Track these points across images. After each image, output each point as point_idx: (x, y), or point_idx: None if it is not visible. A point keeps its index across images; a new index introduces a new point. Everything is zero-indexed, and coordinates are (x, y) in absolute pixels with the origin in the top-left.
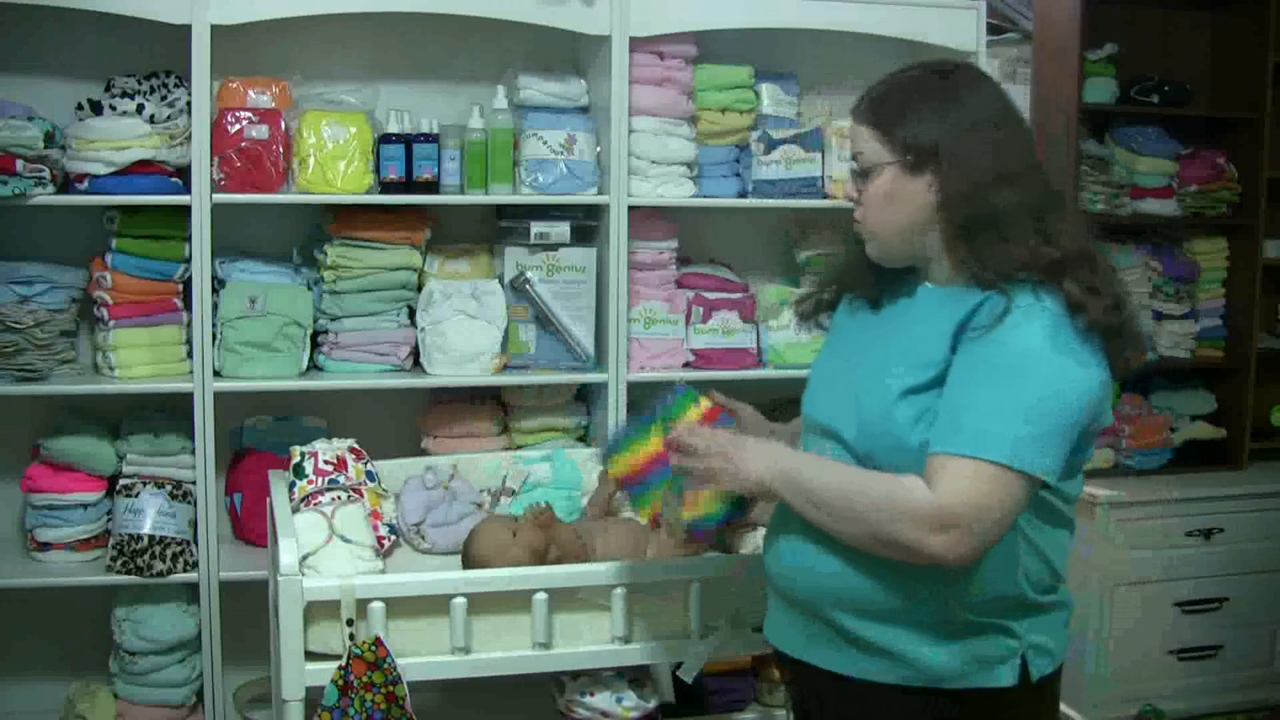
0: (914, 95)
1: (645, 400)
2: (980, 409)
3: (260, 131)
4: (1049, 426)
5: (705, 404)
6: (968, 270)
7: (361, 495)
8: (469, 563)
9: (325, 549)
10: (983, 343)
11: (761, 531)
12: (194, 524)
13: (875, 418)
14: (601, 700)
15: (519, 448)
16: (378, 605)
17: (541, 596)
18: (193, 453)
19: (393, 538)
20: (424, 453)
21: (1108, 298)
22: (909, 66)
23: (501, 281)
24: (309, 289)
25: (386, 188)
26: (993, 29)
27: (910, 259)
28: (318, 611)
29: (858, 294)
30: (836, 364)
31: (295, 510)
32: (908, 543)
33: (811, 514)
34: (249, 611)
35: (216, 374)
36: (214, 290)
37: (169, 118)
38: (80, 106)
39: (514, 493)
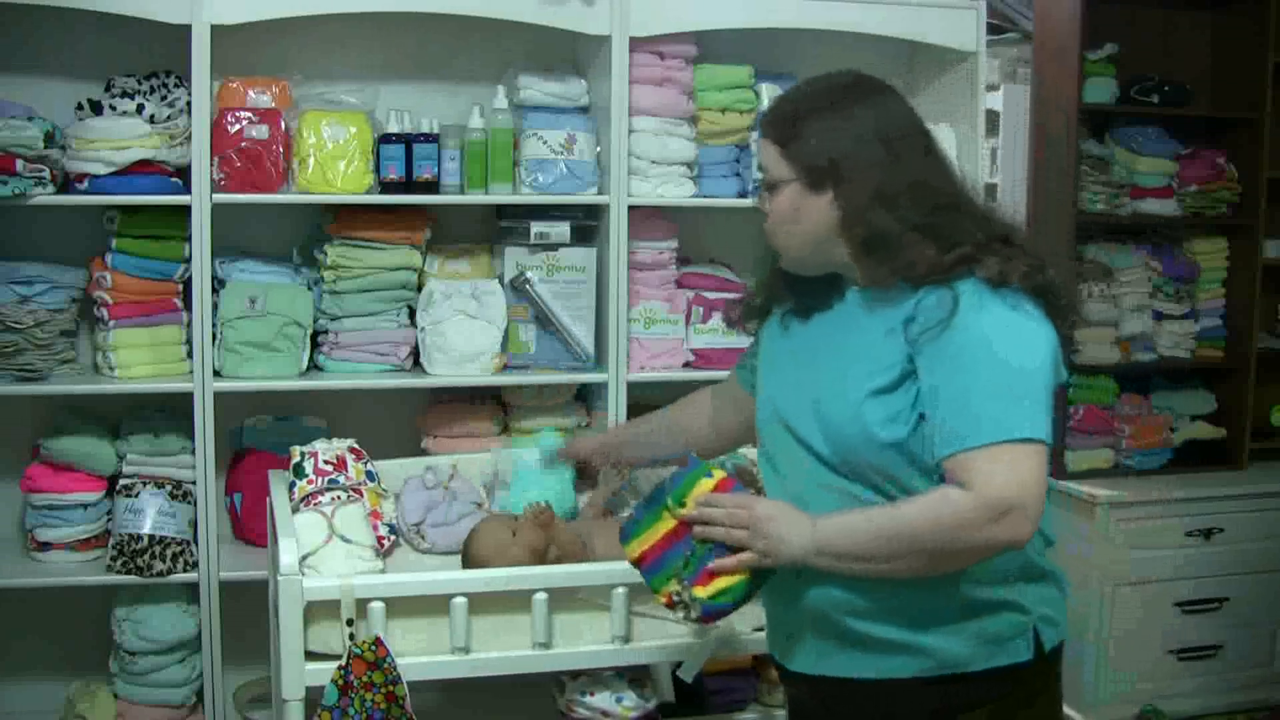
0: (810, 112)
1: (645, 399)
2: (977, 397)
3: (260, 131)
4: (1037, 390)
5: (719, 475)
6: (880, 277)
7: (361, 495)
8: (469, 562)
9: (325, 549)
10: (947, 337)
11: None
12: (194, 524)
13: (843, 422)
14: (601, 700)
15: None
16: (378, 605)
17: (541, 596)
18: (193, 453)
19: (393, 538)
20: (424, 453)
21: (1024, 264)
22: (812, 79)
23: (501, 281)
24: (309, 289)
25: (386, 188)
26: (993, 29)
27: (826, 267)
28: (318, 611)
29: (783, 306)
30: (786, 374)
31: (295, 510)
32: (977, 546)
33: (857, 569)
34: (249, 611)
35: (216, 374)
36: (214, 290)
37: (169, 118)
38: (80, 106)
39: (506, 485)
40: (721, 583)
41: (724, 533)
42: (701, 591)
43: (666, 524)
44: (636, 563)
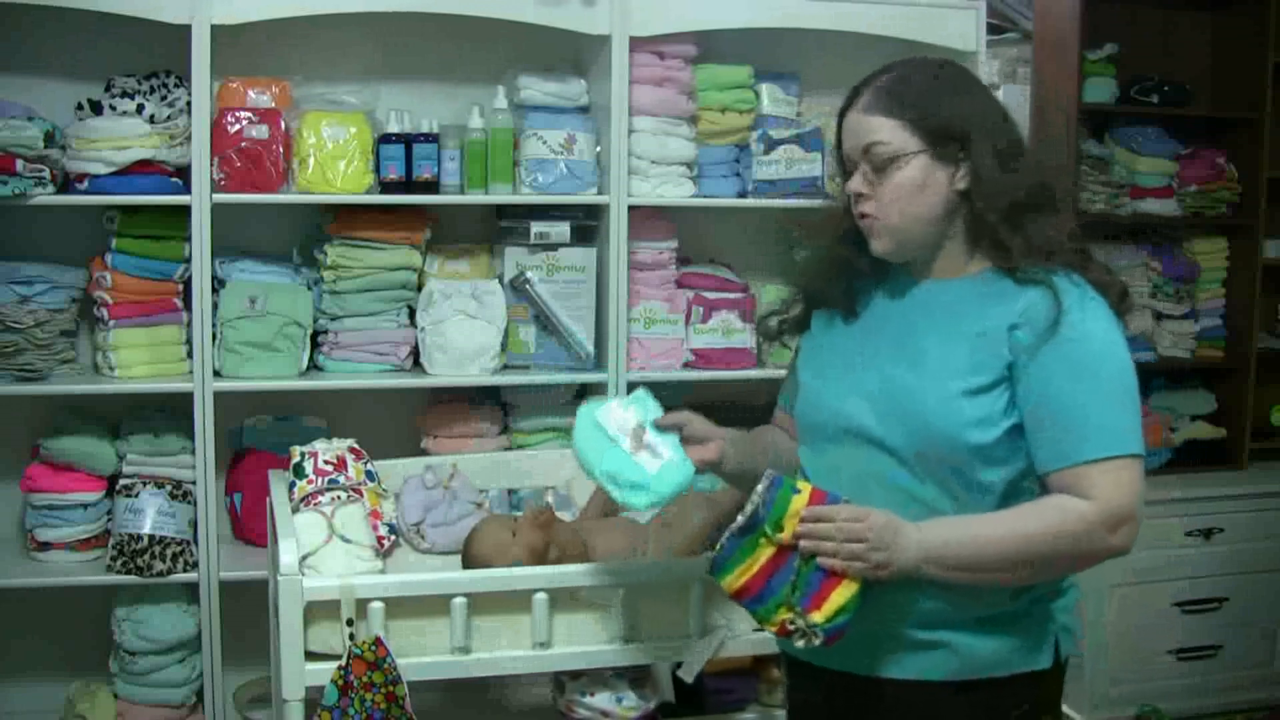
0: (933, 83)
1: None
2: (1094, 410)
3: (260, 131)
4: (1136, 406)
5: (806, 488)
6: (995, 258)
7: (361, 495)
8: (469, 563)
9: (325, 549)
10: (1057, 344)
11: None
12: (194, 524)
13: (933, 418)
14: (601, 700)
15: (520, 448)
16: (378, 605)
17: (541, 596)
18: (193, 453)
19: (392, 537)
20: (424, 453)
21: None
22: (904, 60)
23: (501, 281)
24: (309, 289)
25: (386, 188)
26: (993, 29)
27: (922, 251)
28: (318, 611)
29: (831, 306)
30: (846, 371)
31: (295, 510)
32: (1094, 554)
33: (965, 578)
34: (249, 611)
35: (216, 374)
36: (214, 290)
37: (169, 118)
38: (80, 106)
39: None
40: (837, 600)
41: (836, 547)
42: (818, 616)
43: (765, 551)
44: (736, 595)
